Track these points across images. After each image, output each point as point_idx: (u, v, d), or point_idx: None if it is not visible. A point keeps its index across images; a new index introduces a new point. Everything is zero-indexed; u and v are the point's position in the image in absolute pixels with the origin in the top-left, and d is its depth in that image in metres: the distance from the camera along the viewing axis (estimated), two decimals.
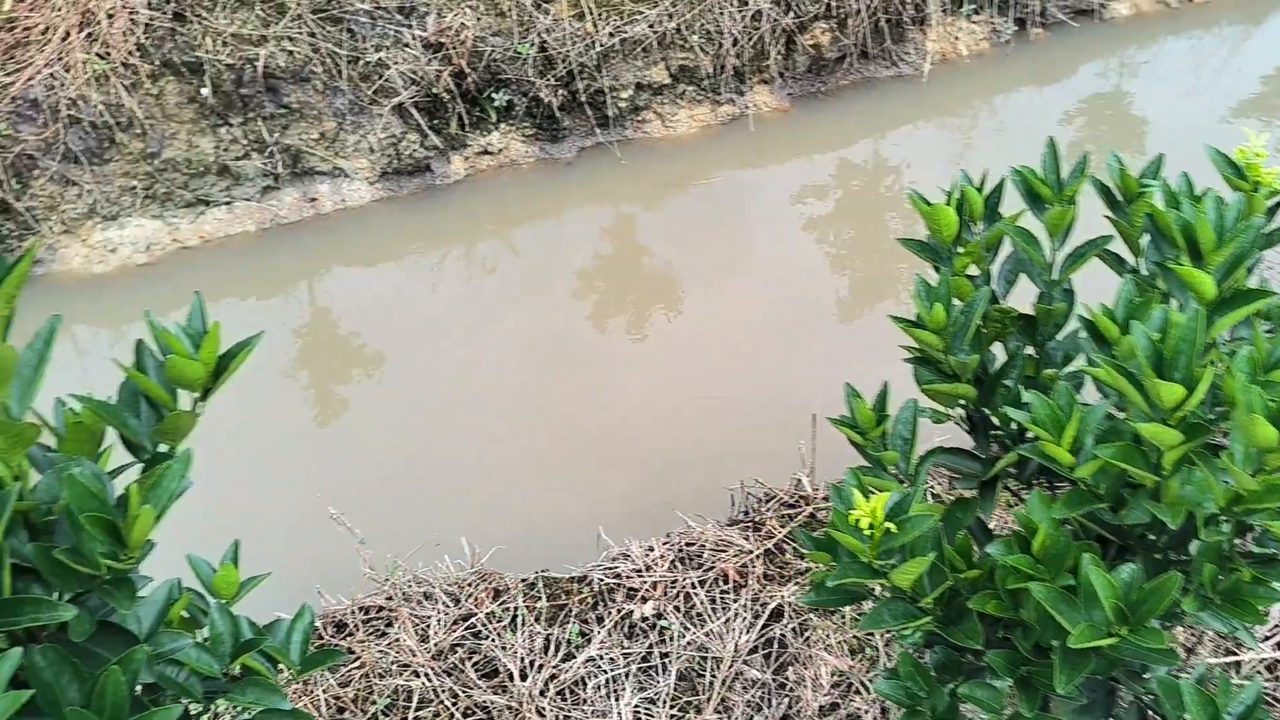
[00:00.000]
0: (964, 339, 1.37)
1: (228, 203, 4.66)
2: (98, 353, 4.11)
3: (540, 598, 2.65)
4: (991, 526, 1.50)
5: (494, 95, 4.97)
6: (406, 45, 4.82)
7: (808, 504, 2.83)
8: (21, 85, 4.33)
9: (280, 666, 1.17)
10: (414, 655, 2.51)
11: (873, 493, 1.20)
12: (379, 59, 4.77)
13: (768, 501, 2.86)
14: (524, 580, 2.71)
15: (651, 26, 5.09)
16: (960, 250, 1.47)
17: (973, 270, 1.48)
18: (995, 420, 1.43)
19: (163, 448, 1.14)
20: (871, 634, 2.45)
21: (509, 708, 2.38)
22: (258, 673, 1.12)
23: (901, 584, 1.20)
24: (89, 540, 0.95)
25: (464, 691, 2.42)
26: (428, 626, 2.60)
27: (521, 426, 3.57)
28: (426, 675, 2.46)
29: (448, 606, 2.65)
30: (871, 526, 1.17)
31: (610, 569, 2.69)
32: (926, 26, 5.73)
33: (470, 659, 2.51)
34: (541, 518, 3.14)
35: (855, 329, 4.07)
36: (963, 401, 1.43)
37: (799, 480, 2.90)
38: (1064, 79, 5.77)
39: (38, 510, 1.00)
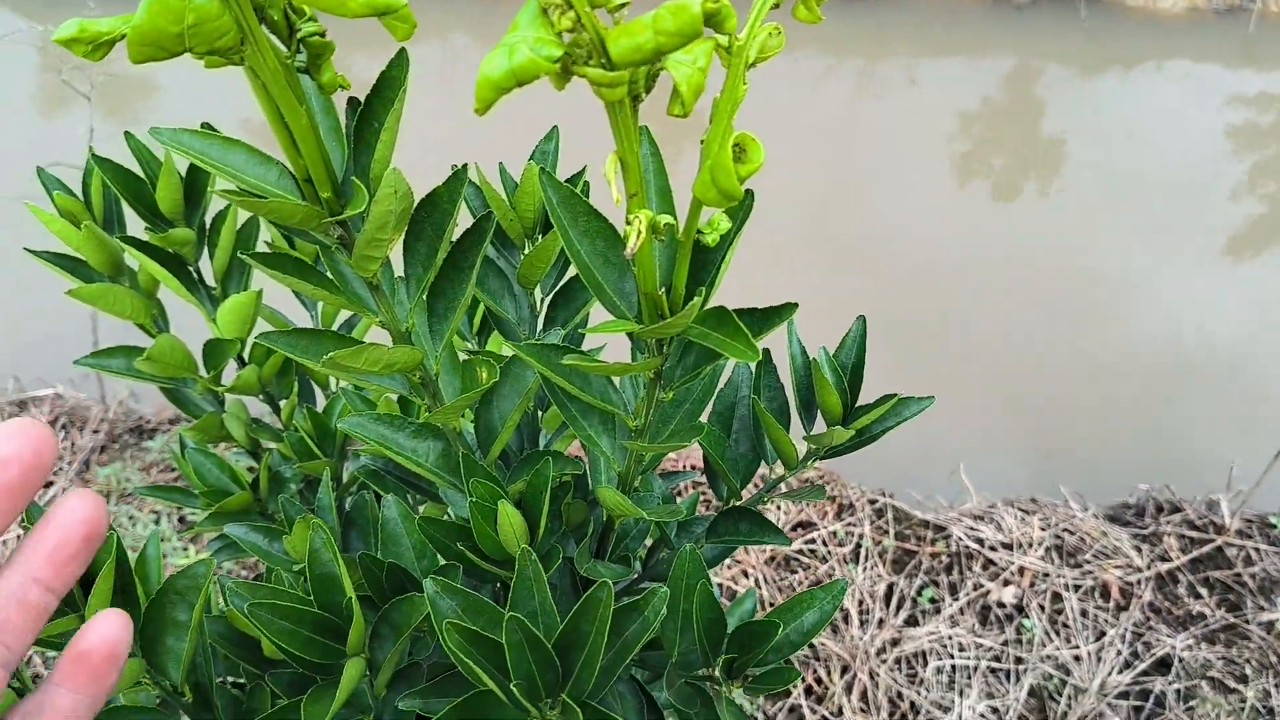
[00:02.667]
0: None
1: None
2: None
3: (888, 532, 2.34)
4: None
5: None
6: None
7: (1218, 534, 2.40)
8: None
9: None
10: (745, 553, 2.25)
11: None
12: None
13: (1170, 512, 2.45)
14: (872, 504, 2.39)
15: None
16: None
17: None
18: None
19: None
20: None
21: (839, 656, 2.12)
22: None
23: None
24: None
25: None
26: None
27: (890, 293, 3.13)
28: (755, 581, 2.21)
29: (785, 505, 2.36)
30: None
31: (973, 531, 2.35)
32: None
33: (804, 576, 2.24)
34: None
35: None
36: None
37: (1214, 501, 2.46)
38: None
39: None
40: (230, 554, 0.96)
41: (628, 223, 0.49)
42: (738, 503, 0.79)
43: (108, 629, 0.39)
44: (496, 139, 0.76)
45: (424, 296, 0.62)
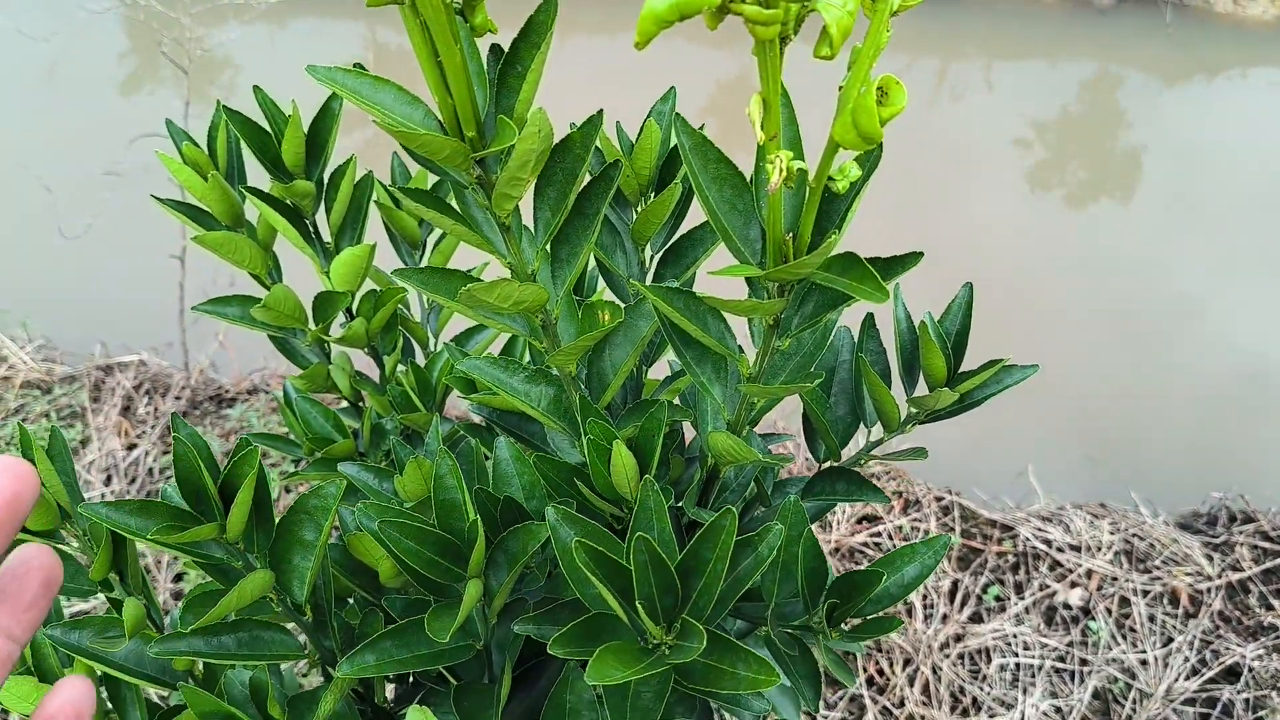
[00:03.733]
0: None
1: None
2: None
3: (954, 529, 2.33)
4: None
5: None
6: None
7: None
8: None
9: None
10: None
11: None
12: None
13: (1243, 522, 2.41)
14: (938, 500, 2.38)
15: None
16: None
17: None
18: None
19: None
20: None
21: (901, 648, 2.12)
22: None
23: None
24: None
25: None
26: (829, 514, 2.32)
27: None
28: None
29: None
30: None
31: (1040, 532, 2.33)
32: None
33: None
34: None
35: None
36: None
37: None
38: None
39: None
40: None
41: (769, 162, 0.50)
42: (835, 463, 0.81)
43: (73, 693, 0.39)
44: (610, 105, 0.78)
45: (549, 243, 0.65)
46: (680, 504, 0.72)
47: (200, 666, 0.75)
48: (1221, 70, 4.37)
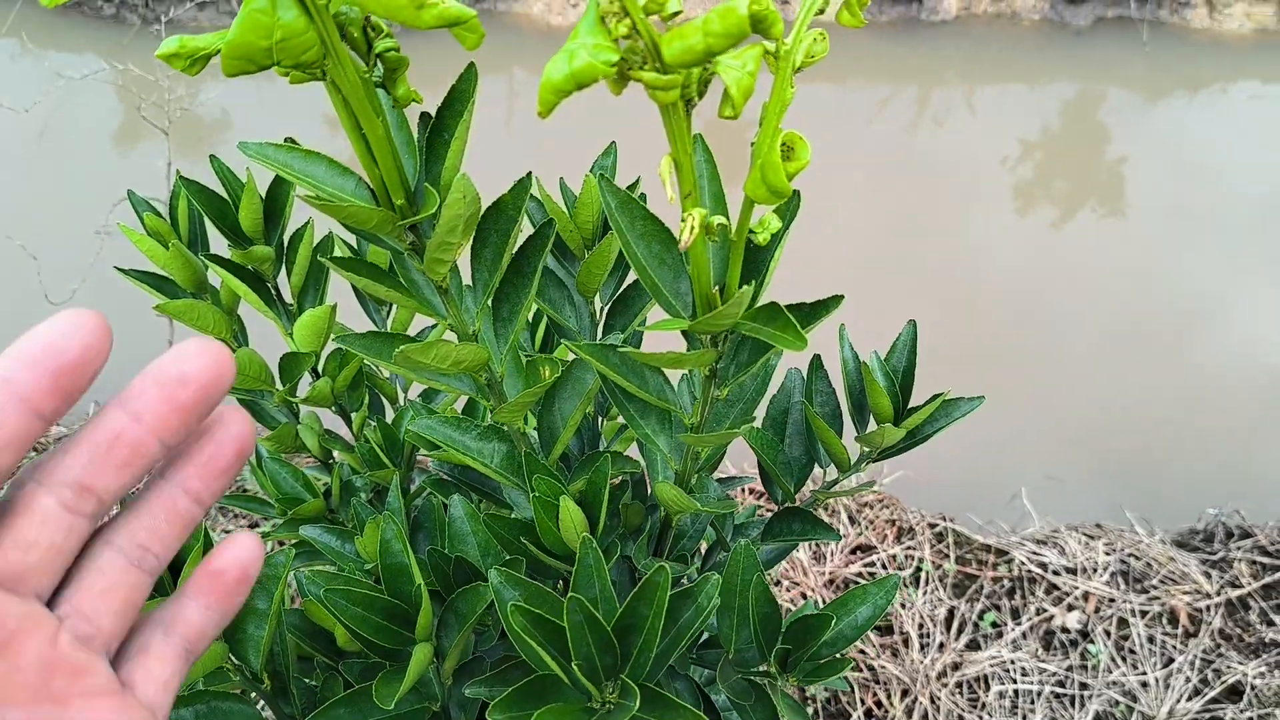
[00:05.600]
0: None
1: None
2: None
3: (948, 555, 2.32)
4: None
5: None
6: None
7: None
8: None
9: None
10: (805, 576, 2.25)
11: None
12: None
13: (1240, 538, 2.40)
14: (932, 528, 2.37)
15: None
16: None
17: None
18: None
19: None
20: None
21: (899, 679, 2.11)
22: None
23: None
24: None
25: None
26: (818, 541, 2.32)
27: (950, 315, 3.12)
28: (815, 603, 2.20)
29: (844, 527, 2.35)
30: None
31: (1035, 556, 2.32)
32: None
33: None
34: (949, 442, 2.74)
35: None
36: None
37: None
38: None
39: None
40: (301, 560, 1.00)
41: (682, 220, 0.51)
42: (791, 504, 0.81)
43: (241, 551, 0.40)
44: (556, 159, 0.80)
45: (489, 301, 0.65)
46: (632, 554, 0.72)
47: None
48: (1202, 86, 4.40)
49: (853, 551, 2.31)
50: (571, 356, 0.74)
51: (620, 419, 0.82)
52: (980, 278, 3.34)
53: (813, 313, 0.58)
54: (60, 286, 3.16)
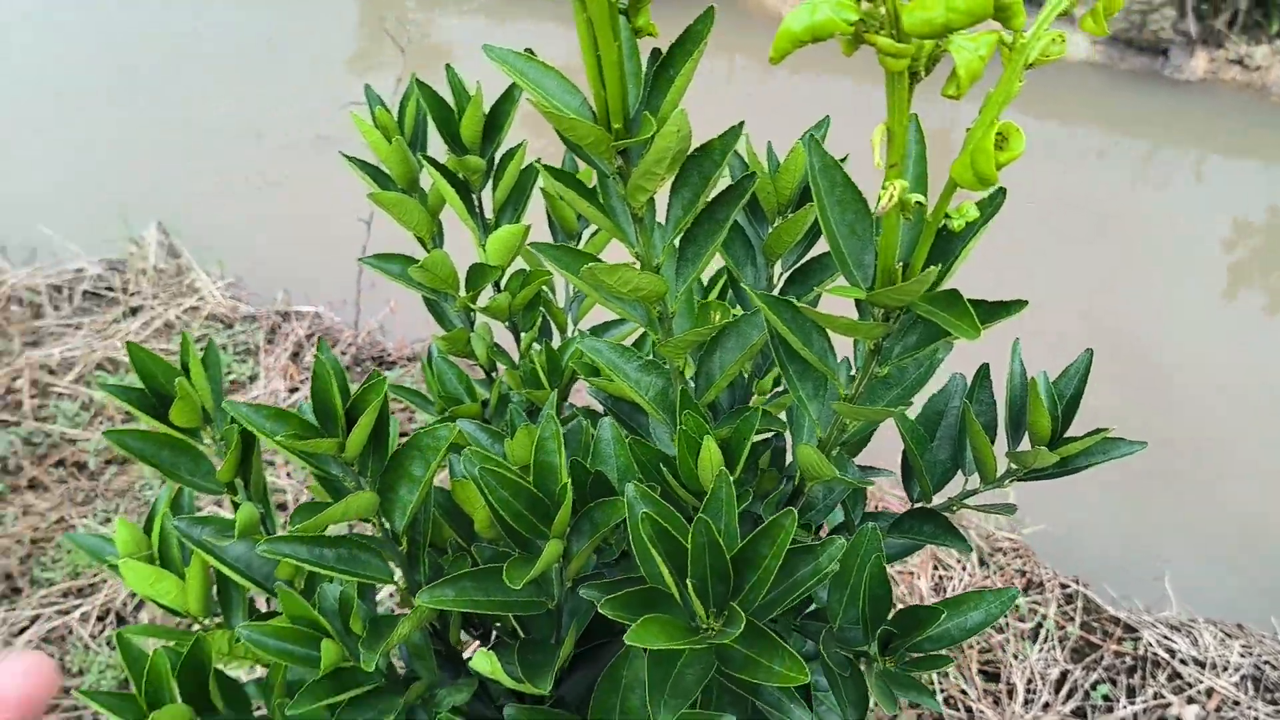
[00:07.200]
0: None
1: None
2: None
3: (1073, 619, 2.24)
4: None
5: None
6: None
7: None
8: None
9: None
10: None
11: None
12: None
13: None
14: (1063, 588, 2.30)
15: None
16: None
17: None
18: None
19: None
20: None
21: None
22: None
23: None
24: None
25: (956, 677, 2.11)
26: (943, 574, 2.28)
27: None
28: None
29: (967, 562, 2.30)
30: None
31: (1165, 640, 2.22)
32: None
33: (976, 641, 2.18)
34: (1092, 506, 2.65)
35: None
36: None
37: None
38: None
39: None
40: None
41: (883, 188, 0.53)
42: (926, 505, 0.81)
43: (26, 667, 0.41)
44: (763, 135, 0.82)
45: (678, 240, 0.68)
46: (760, 511, 0.74)
47: (302, 580, 0.82)
48: None
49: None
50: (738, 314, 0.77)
51: (773, 384, 0.84)
52: (1165, 344, 3.18)
53: (993, 310, 0.59)
54: (278, 173, 3.38)
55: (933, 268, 0.52)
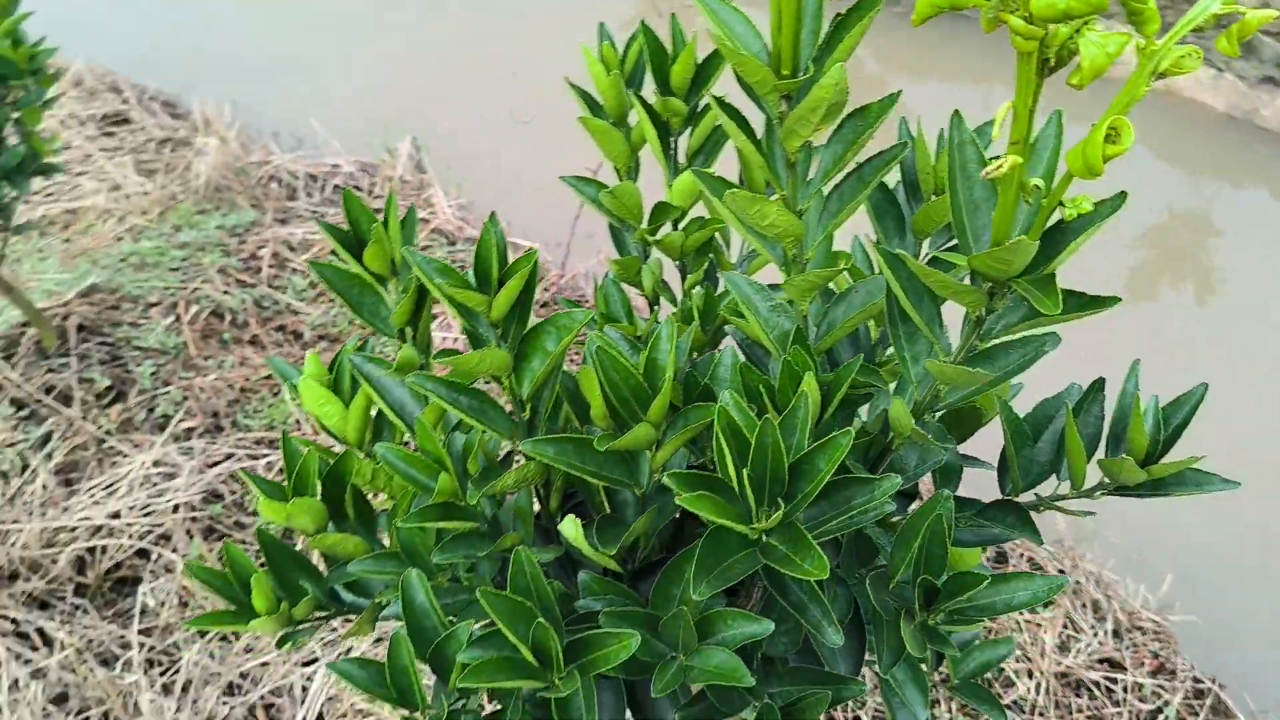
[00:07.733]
0: None
1: None
2: None
3: (1197, 715, 2.14)
4: None
5: None
6: None
7: None
8: None
9: None
10: (1040, 658, 2.17)
11: None
12: None
13: None
14: (1196, 682, 2.20)
15: None
16: None
17: None
18: None
19: None
20: None
21: None
22: None
23: None
24: None
25: None
26: (1071, 634, 2.22)
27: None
28: (1037, 685, 2.13)
29: (1106, 638, 2.23)
30: None
31: None
32: None
33: (1089, 707, 2.12)
34: (1253, 612, 2.50)
35: None
36: None
37: None
38: None
39: None
40: None
41: (1001, 158, 0.58)
42: (1013, 499, 0.85)
43: None
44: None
45: (824, 189, 0.75)
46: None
47: (442, 433, 0.93)
48: None
49: (1100, 661, 2.19)
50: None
51: (889, 354, 0.89)
52: None
53: (1086, 303, 0.62)
54: (525, 109, 3.59)
55: (1025, 237, 0.57)
